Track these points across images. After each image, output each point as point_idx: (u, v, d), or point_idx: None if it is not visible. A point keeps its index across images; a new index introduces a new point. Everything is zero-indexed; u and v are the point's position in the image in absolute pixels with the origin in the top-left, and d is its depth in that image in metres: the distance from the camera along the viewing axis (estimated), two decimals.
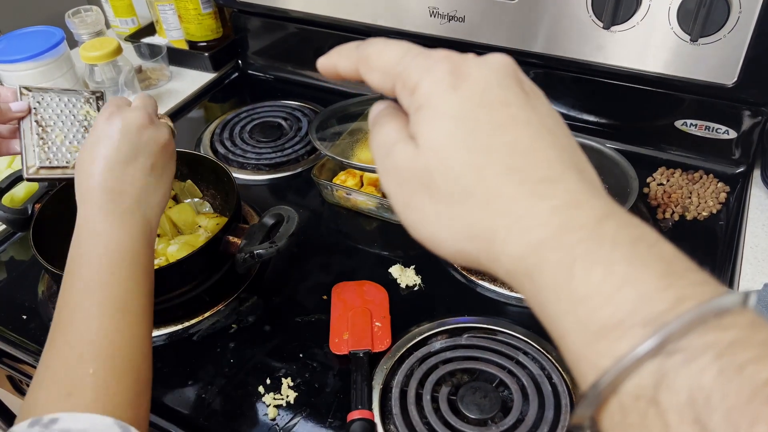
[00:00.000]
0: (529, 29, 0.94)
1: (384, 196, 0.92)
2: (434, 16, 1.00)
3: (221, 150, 1.06)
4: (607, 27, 0.85)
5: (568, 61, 0.94)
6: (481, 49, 1.00)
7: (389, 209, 0.90)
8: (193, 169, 0.92)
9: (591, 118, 1.02)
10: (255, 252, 0.75)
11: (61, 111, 0.74)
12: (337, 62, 0.39)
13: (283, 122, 1.12)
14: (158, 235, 0.85)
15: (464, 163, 0.30)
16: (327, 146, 0.97)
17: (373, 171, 0.90)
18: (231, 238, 0.78)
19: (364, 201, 0.92)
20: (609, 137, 1.00)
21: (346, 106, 1.07)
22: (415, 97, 0.32)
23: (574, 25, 0.90)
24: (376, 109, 0.38)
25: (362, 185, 0.96)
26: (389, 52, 0.35)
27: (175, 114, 1.20)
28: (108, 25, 1.41)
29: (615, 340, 0.25)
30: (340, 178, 0.96)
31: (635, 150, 0.99)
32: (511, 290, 0.79)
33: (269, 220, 0.80)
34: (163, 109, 1.19)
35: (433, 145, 0.31)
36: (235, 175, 0.99)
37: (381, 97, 0.38)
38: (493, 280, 0.80)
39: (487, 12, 0.95)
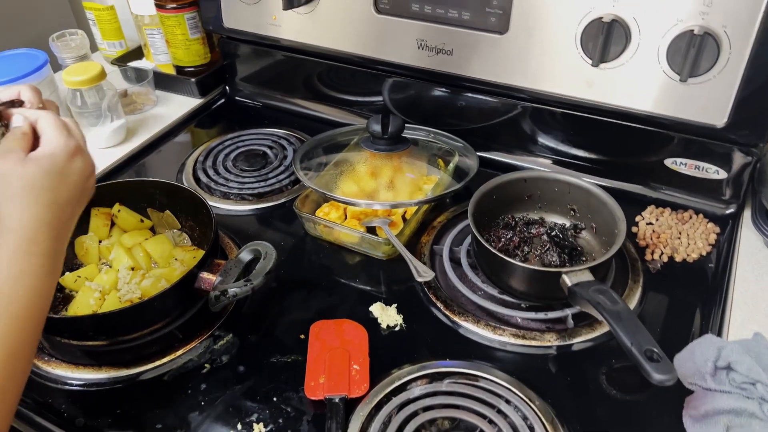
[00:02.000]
0: (517, 64, 0.93)
1: (368, 230, 0.90)
2: (422, 49, 0.98)
3: (204, 178, 1.04)
4: (595, 64, 0.84)
5: (557, 97, 0.93)
6: (468, 83, 0.99)
7: (372, 244, 0.88)
8: (172, 200, 0.89)
9: (579, 154, 1.00)
10: (229, 291, 0.72)
11: None
12: None
13: (268, 151, 1.10)
14: (132, 269, 0.83)
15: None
16: (311, 177, 0.95)
17: (356, 205, 0.88)
18: (205, 274, 0.75)
19: (347, 235, 0.90)
20: (597, 174, 0.99)
21: (333, 136, 1.06)
22: None
23: (562, 61, 0.89)
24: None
25: (346, 218, 0.94)
26: None
27: (160, 139, 1.18)
28: (95, 48, 1.39)
29: None
30: (324, 210, 0.94)
31: (624, 187, 0.98)
32: (495, 333, 0.76)
33: (246, 256, 0.78)
34: (147, 135, 1.17)
35: None
36: (216, 205, 0.97)
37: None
38: (477, 321, 0.78)
39: (475, 45, 0.94)
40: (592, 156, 1.00)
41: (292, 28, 1.09)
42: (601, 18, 0.82)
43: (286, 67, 1.21)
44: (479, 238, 0.77)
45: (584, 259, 0.84)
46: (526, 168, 1.05)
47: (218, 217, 0.94)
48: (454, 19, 0.94)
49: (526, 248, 0.85)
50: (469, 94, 1.04)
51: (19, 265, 0.55)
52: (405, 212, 0.93)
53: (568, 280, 0.72)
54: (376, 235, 0.89)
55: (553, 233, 0.86)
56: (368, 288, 0.86)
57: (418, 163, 0.98)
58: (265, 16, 1.10)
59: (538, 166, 1.04)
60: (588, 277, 0.72)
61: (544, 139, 1.03)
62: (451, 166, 0.97)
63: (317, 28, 1.06)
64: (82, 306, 0.78)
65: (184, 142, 1.19)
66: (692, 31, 0.77)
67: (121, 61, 1.32)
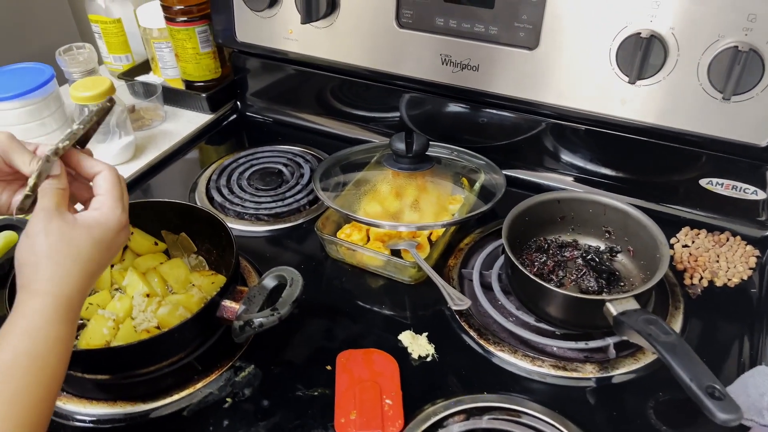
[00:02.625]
0: (546, 80, 0.90)
1: (392, 253, 0.86)
2: (446, 64, 0.95)
3: (218, 198, 1.00)
4: (632, 81, 0.81)
5: (587, 115, 0.90)
6: (493, 99, 0.95)
7: (399, 268, 0.84)
8: (187, 221, 0.85)
9: (607, 173, 0.97)
10: (254, 321, 0.68)
11: None
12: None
13: (283, 169, 1.06)
14: (147, 295, 0.78)
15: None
16: (331, 197, 0.91)
17: (381, 226, 0.84)
18: (228, 303, 0.71)
19: (371, 258, 0.86)
20: (628, 193, 0.95)
21: (351, 154, 1.02)
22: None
23: (595, 78, 0.86)
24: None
25: (368, 240, 0.90)
26: None
27: (170, 157, 1.14)
28: (101, 61, 1.35)
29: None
30: (345, 232, 0.90)
31: (656, 208, 0.94)
32: (533, 364, 0.72)
33: (270, 283, 0.73)
34: (157, 152, 1.13)
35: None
36: (231, 225, 0.93)
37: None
38: (513, 351, 0.74)
39: (502, 61, 0.91)
40: (622, 175, 0.96)
41: (309, 41, 1.05)
42: (639, 33, 0.79)
43: (299, 82, 1.17)
44: (516, 263, 0.73)
45: (622, 284, 0.80)
46: (549, 186, 1.01)
47: (235, 241, 0.91)
48: (480, 34, 0.90)
49: (560, 272, 0.81)
50: (492, 111, 1.00)
51: (56, 332, 0.54)
52: (430, 234, 0.89)
53: (613, 309, 0.68)
54: (400, 257, 0.85)
55: (589, 257, 0.82)
56: (394, 314, 0.81)
57: (442, 182, 0.94)
58: (281, 30, 1.07)
59: (562, 184, 1.01)
60: (633, 305, 0.68)
61: (569, 157, 0.99)
62: (477, 185, 0.93)
63: (335, 42, 1.03)
64: (95, 336, 0.74)
65: (195, 160, 1.15)
66: (737, 47, 0.74)
67: (127, 75, 1.28)
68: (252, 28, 1.10)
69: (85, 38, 1.47)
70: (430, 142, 0.91)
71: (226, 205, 0.98)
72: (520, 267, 0.73)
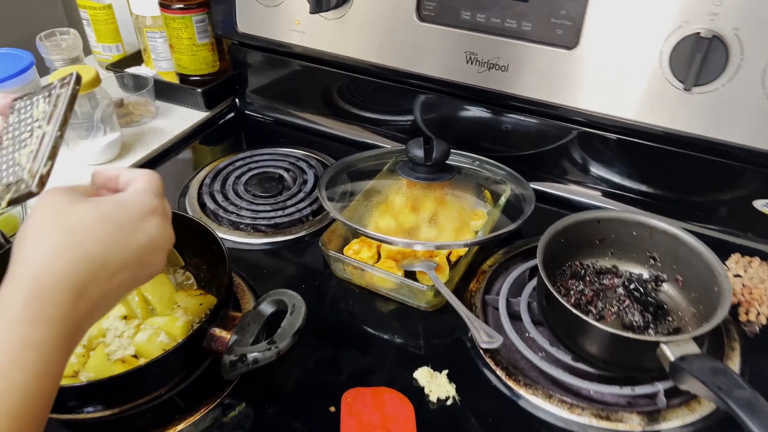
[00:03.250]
0: (583, 84, 0.80)
1: (406, 274, 0.76)
2: (471, 63, 0.85)
3: (210, 205, 0.89)
4: (688, 88, 0.71)
5: (628, 124, 0.80)
6: (523, 103, 0.85)
7: (414, 292, 0.73)
8: (175, 231, 0.74)
9: (647, 189, 0.87)
10: (248, 355, 0.57)
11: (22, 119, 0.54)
12: None
13: (285, 174, 0.96)
14: (125, 317, 0.68)
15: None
16: (338, 208, 0.81)
17: (394, 244, 0.74)
18: (218, 331, 0.61)
19: (382, 279, 0.75)
20: (667, 213, 0.85)
21: (360, 160, 0.92)
22: None
23: (642, 83, 0.76)
24: None
25: (379, 258, 0.80)
26: None
27: (160, 156, 1.03)
28: (89, 51, 1.25)
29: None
30: (353, 248, 0.80)
31: (702, 231, 0.84)
32: (572, 412, 0.62)
33: (268, 309, 0.63)
34: (145, 151, 1.03)
35: None
36: (225, 236, 0.83)
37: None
38: (547, 396, 0.64)
39: (535, 61, 0.81)
40: (661, 192, 0.86)
41: (317, 34, 0.95)
42: (699, 34, 0.69)
43: (304, 79, 1.07)
44: (554, 293, 0.63)
45: (670, 319, 0.70)
46: (577, 202, 0.91)
47: (229, 254, 0.81)
48: (512, 31, 0.80)
49: (600, 304, 0.71)
50: (518, 116, 0.90)
51: (24, 334, 0.39)
52: (449, 253, 0.79)
53: (670, 353, 0.58)
54: (415, 279, 0.75)
55: (632, 286, 0.72)
56: (409, 345, 0.71)
57: (463, 194, 0.84)
58: (287, 21, 0.96)
59: (591, 199, 0.91)
60: (693, 348, 0.58)
61: (601, 170, 0.89)
62: (503, 199, 0.83)
63: (347, 36, 0.93)
64: None
65: (187, 161, 1.05)
66: None
67: (117, 66, 1.18)
68: (255, 18, 1.00)
69: (73, 25, 1.37)
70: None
71: (219, 213, 0.88)
72: (560, 299, 0.63)
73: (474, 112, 0.94)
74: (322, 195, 0.81)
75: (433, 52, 0.87)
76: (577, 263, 0.76)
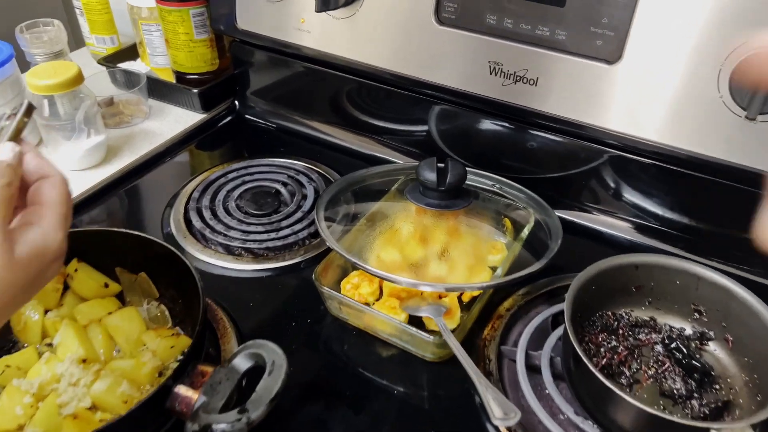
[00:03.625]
0: (623, 103, 0.69)
1: (410, 318, 0.66)
2: (495, 74, 0.75)
3: (197, 223, 0.80)
4: (752, 117, 0.60)
5: (674, 152, 0.69)
6: (551, 122, 0.75)
7: (418, 342, 0.64)
8: (149, 258, 0.66)
9: (693, 227, 0.76)
10: (215, 427, 0.48)
11: None
12: None
13: (282, 189, 0.86)
14: (84, 361, 0.59)
15: None
16: (337, 234, 0.71)
17: (397, 282, 0.64)
18: (183, 389, 0.52)
19: (382, 322, 0.66)
20: (718, 256, 0.75)
21: (366, 177, 0.82)
22: None
23: (691, 107, 0.65)
24: None
25: (381, 295, 0.70)
26: None
27: (149, 162, 0.94)
28: (83, 43, 1.16)
29: None
30: (352, 281, 0.70)
31: (759, 280, 0.73)
32: None
33: (243, 364, 0.54)
34: (133, 156, 0.94)
35: None
36: (210, 260, 0.74)
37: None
38: None
39: (570, 76, 0.70)
40: (709, 230, 0.76)
41: (324, 35, 0.86)
42: None
43: (310, 83, 0.97)
44: (584, 357, 0.53)
45: (717, 387, 0.60)
46: (607, 235, 0.81)
47: (212, 279, 0.72)
48: (544, 39, 0.70)
49: (635, 364, 0.61)
50: (545, 134, 0.80)
51: None
52: (462, 293, 0.69)
53: None
54: (421, 323, 0.65)
55: (672, 345, 0.62)
56: (411, 401, 0.62)
57: (480, 223, 0.74)
58: (291, 19, 0.87)
59: (622, 232, 0.80)
60: None
61: (637, 201, 0.79)
62: (526, 231, 0.73)
63: (356, 38, 0.83)
64: (5, 415, 0.54)
65: (179, 168, 0.95)
66: None
67: (110, 60, 1.09)
68: (256, 15, 0.90)
69: (70, 15, 1.28)
70: (468, 170, 0.71)
71: (206, 233, 0.78)
72: (589, 365, 0.53)
73: (495, 127, 0.84)
74: (319, 218, 0.71)
75: (453, 60, 0.77)
76: (610, 313, 0.65)
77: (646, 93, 0.67)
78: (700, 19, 0.61)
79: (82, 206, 0.86)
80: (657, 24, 0.64)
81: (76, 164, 0.90)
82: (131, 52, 1.12)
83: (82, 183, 0.88)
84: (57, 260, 0.45)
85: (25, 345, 0.63)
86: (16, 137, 0.44)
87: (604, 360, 0.61)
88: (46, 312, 0.64)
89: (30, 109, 0.45)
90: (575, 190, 0.82)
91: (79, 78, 0.85)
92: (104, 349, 0.61)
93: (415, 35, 0.78)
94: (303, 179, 0.88)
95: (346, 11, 0.81)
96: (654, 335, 0.64)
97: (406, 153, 0.93)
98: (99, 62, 1.08)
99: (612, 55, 0.67)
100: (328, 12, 0.81)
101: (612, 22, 0.66)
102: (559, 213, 0.80)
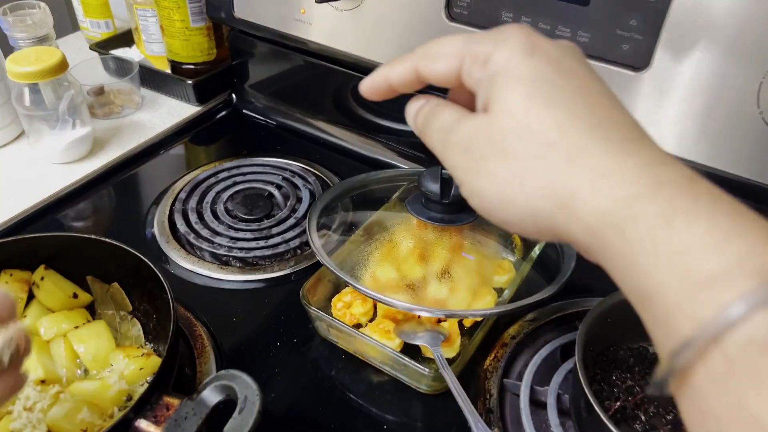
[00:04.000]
0: (648, 115, 0.62)
1: (402, 348, 0.60)
2: None
3: (181, 227, 0.74)
4: None
5: (706, 172, 0.62)
6: None
7: (411, 374, 0.58)
8: (121, 267, 0.60)
9: None
10: None
11: None
12: (388, 73, 0.39)
13: (275, 192, 0.81)
14: (43, 382, 0.54)
15: (545, 119, 0.30)
16: (331, 245, 0.66)
17: (392, 305, 0.58)
18: (145, 425, 0.46)
19: (374, 349, 0.60)
20: None
21: (367, 182, 0.76)
22: (490, 66, 0.33)
23: (728, 125, 0.58)
24: (418, 105, 0.40)
25: (375, 315, 0.64)
26: (453, 38, 0.36)
27: (138, 157, 0.89)
28: (77, 26, 1.11)
29: (721, 290, 0.24)
30: (344, 299, 0.64)
31: None
32: None
33: (213, 398, 0.48)
34: (121, 149, 0.88)
35: (510, 107, 0.31)
36: (194, 269, 0.69)
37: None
38: None
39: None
40: None
41: (326, 27, 0.79)
42: None
43: (311, 78, 0.91)
44: (596, 407, 0.47)
45: None
46: None
47: (193, 289, 0.67)
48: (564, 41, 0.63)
49: (651, 408, 0.55)
50: None
51: None
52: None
53: None
54: (420, 354, 0.60)
55: None
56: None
57: (486, 240, 0.68)
58: (291, 9, 0.81)
59: None
60: None
61: None
62: (537, 250, 0.67)
63: (359, 31, 0.77)
64: None
65: (170, 164, 0.90)
66: None
67: (104, 47, 1.03)
68: (255, 3, 0.84)
69: None
70: None
71: (190, 239, 0.73)
72: (601, 414, 0.47)
73: None
74: (310, 228, 0.65)
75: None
76: (625, 347, 0.59)
77: (674, 105, 0.61)
78: (741, 25, 0.55)
79: (63, 203, 0.81)
80: (691, 28, 0.57)
81: (60, 157, 0.84)
82: (126, 38, 1.06)
83: (65, 178, 0.82)
84: None
85: None
86: None
87: (618, 403, 0.54)
88: None
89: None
90: None
91: (62, 65, 0.80)
92: (67, 368, 0.56)
93: (424, 31, 0.71)
94: (298, 181, 0.82)
95: (349, 3, 0.74)
96: None
97: (411, 158, 0.87)
98: (91, 48, 1.03)
99: (639, 62, 0.61)
100: (330, 3, 0.75)
101: (641, 24, 0.59)
102: None
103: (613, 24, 0.61)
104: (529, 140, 0.31)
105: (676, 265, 0.25)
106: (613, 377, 0.57)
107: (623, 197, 0.27)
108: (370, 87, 0.40)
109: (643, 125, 0.31)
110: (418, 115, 0.39)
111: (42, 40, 0.86)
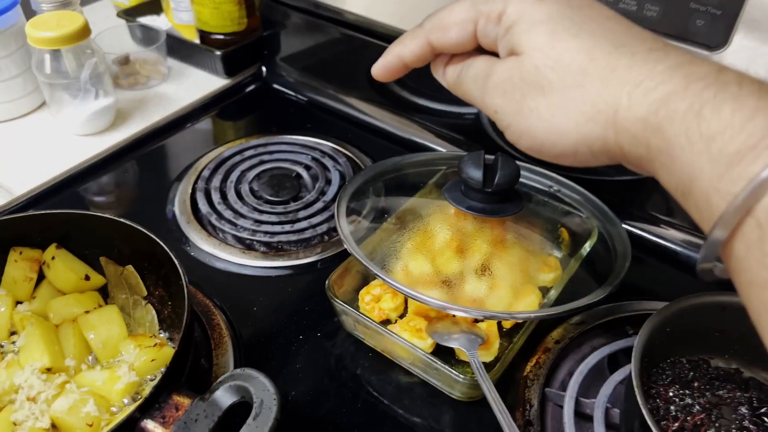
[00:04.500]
0: None
1: (437, 349, 0.55)
2: None
3: (203, 207, 0.70)
4: None
5: None
6: None
7: (444, 378, 0.53)
8: (137, 250, 0.56)
9: None
10: None
11: None
12: (401, 51, 0.40)
13: (304, 173, 0.76)
14: (48, 369, 0.50)
15: (572, 49, 0.32)
16: (361, 233, 0.61)
17: (425, 302, 0.52)
18: (151, 426, 0.42)
19: (403, 349, 0.55)
20: None
21: (401, 165, 0.71)
22: (505, 20, 0.35)
23: None
24: (445, 60, 0.40)
25: (405, 311, 0.59)
26: (460, 4, 0.37)
27: (160, 131, 0.85)
28: None
29: (748, 164, 0.26)
30: (373, 292, 0.59)
31: None
32: None
33: (226, 399, 0.44)
34: (145, 122, 0.84)
35: (537, 44, 0.33)
36: (215, 252, 0.64)
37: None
38: None
39: None
40: None
41: None
42: None
43: (345, 52, 0.85)
44: (653, 428, 0.41)
45: None
46: (688, 258, 0.68)
47: (213, 274, 0.63)
48: (630, 15, 0.56)
49: (712, 430, 0.49)
50: None
51: None
52: None
53: None
54: (452, 352, 0.55)
55: (763, 408, 0.49)
56: None
57: (531, 234, 0.62)
58: None
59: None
60: None
61: None
62: (587, 247, 0.61)
63: (403, 3, 0.71)
64: None
65: (194, 139, 0.86)
66: None
67: (131, 14, 0.99)
68: None
69: None
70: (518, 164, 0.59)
71: (212, 220, 0.68)
72: None
73: None
74: (339, 214, 0.60)
75: None
76: (684, 360, 0.53)
77: None
78: None
79: (83, 176, 0.77)
80: None
81: (81, 128, 0.81)
82: (155, 5, 1.02)
83: (87, 150, 0.79)
84: None
85: None
86: None
87: (676, 424, 0.49)
88: (17, 304, 0.55)
89: None
90: (646, 198, 0.69)
91: (84, 31, 0.75)
92: (75, 356, 0.52)
93: None
94: (328, 162, 0.77)
95: None
96: (738, 393, 0.51)
97: (449, 140, 0.81)
98: (118, 15, 0.98)
99: (715, 40, 0.54)
100: None
101: None
102: (625, 224, 0.67)
103: None
104: (562, 71, 0.33)
105: (708, 151, 0.27)
106: (670, 393, 0.51)
107: (658, 99, 0.29)
108: (384, 68, 0.41)
109: None
110: (448, 69, 0.40)
111: (65, 5, 0.82)
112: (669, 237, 0.68)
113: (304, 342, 0.59)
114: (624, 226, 0.63)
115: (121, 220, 0.54)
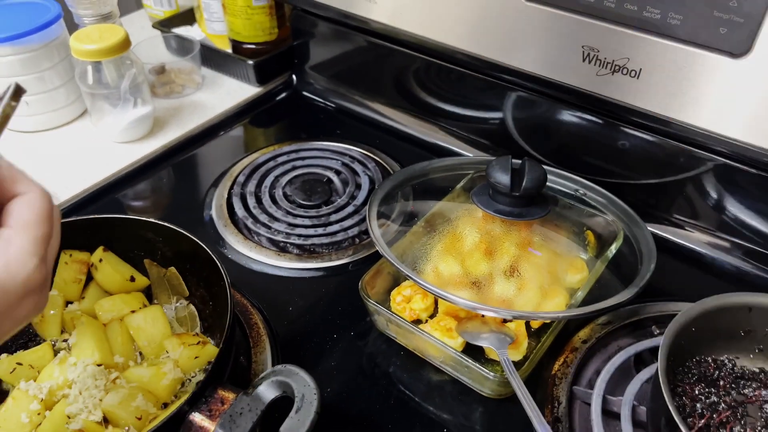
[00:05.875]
0: (746, 106, 0.57)
1: (467, 347, 0.57)
2: (590, 62, 0.63)
3: (239, 211, 0.73)
4: None
5: None
6: (650, 121, 0.64)
7: (474, 376, 0.55)
8: (179, 253, 0.59)
9: None
10: None
11: None
12: None
13: (335, 178, 0.78)
14: (98, 365, 0.53)
15: None
16: (392, 235, 0.63)
17: (452, 302, 0.54)
18: (199, 419, 0.45)
19: (434, 347, 0.57)
20: None
21: (429, 170, 0.73)
22: None
23: None
24: None
25: (435, 311, 0.61)
26: None
27: (196, 138, 0.88)
28: (141, 5, 1.10)
29: None
30: (403, 293, 0.61)
31: None
32: None
33: (269, 393, 0.46)
34: (180, 130, 0.87)
35: None
36: (251, 255, 0.67)
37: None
38: None
39: (681, 69, 0.58)
40: None
41: (390, 6, 0.76)
42: None
43: (374, 60, 0.88)
44: (681, 425, 0.43)
45: None
46: (713, 260, 0.69)
47: (250, 276, 0.66)
48: (652, 23, 0.58)
49: (738, 427, 0.50)
50: (642, 135, 0.68)
51: None
52: None
53: None
54: (482, 351, 0.57)
55: None
56: None
57: (558, 237, 0.64)
58: None
59: (728, 255, 0.68)
60: None
61: (748, 220, 0.67)
62: (613, 249, 0.62)
63: (428, 11, 0.73)
64: (9, 422, 0.49)
65: (229, 146, 0.88)
66: None
67: (166, 25, 1.03)
68: None
69: None
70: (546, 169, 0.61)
71: (248, 224, 0.71)
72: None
73: (582, 121, 0.72)
74: (371, 217, 0.63)
75: (539, 42, 0.66)
76: (709, 359, 0.55)
77: None
78: None
79: (123, 183, 0.80)
80: None
81: (121, 136, 0.84)
82: (189, 16, 1.05)
83: (126, 157, 0.82)
84: (31, 295, 0.36)
85: (44, 339, 0.58)
86: (2, 124, 0.37)
87: (702, 421, 0.50)
88: (67, 304, 0.59)
89: (18, 92, 0.37)
90: (670, 200, 0.71)
91: (125, 44, 0.79)
92: (123, 353, 0.55)
93: (498, 11, 0.67)
94: (358, 168, 0.80)
95: None
96: (764, 392, 0.52)
97: (476, 145, 0.83)
98: (154, 26, 1.02)
99: (738, 47, 0.55)
100: None
101: (743, 5, 0.53)
102: (650, 227, 0.69)
103: (709, 5, 0.55)
104: None
105: None
106: (696, 391, 0.52)
107: None
108: None
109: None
110: None
111: (106, 18, 0.86)
112: (693, 239, 0.70)
113: (338, 341, 0.61)
114: (649, 228, 0.64)
115: (165, 224, 0.57)
